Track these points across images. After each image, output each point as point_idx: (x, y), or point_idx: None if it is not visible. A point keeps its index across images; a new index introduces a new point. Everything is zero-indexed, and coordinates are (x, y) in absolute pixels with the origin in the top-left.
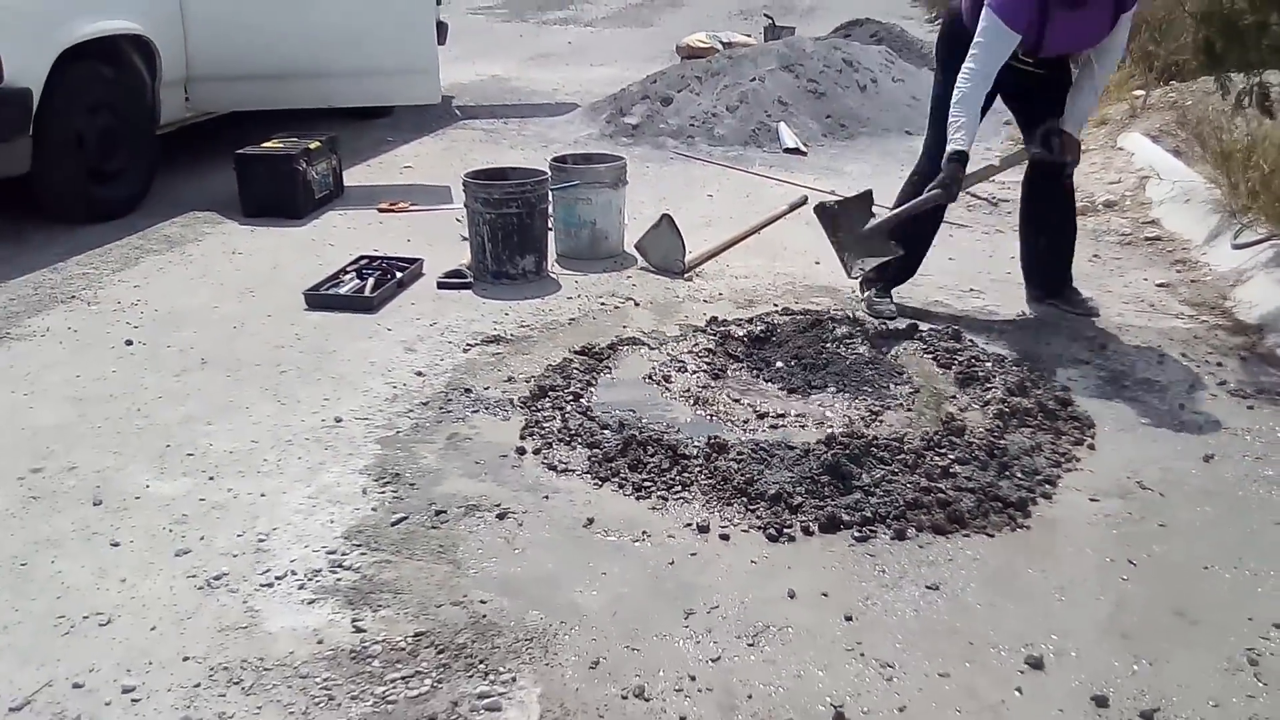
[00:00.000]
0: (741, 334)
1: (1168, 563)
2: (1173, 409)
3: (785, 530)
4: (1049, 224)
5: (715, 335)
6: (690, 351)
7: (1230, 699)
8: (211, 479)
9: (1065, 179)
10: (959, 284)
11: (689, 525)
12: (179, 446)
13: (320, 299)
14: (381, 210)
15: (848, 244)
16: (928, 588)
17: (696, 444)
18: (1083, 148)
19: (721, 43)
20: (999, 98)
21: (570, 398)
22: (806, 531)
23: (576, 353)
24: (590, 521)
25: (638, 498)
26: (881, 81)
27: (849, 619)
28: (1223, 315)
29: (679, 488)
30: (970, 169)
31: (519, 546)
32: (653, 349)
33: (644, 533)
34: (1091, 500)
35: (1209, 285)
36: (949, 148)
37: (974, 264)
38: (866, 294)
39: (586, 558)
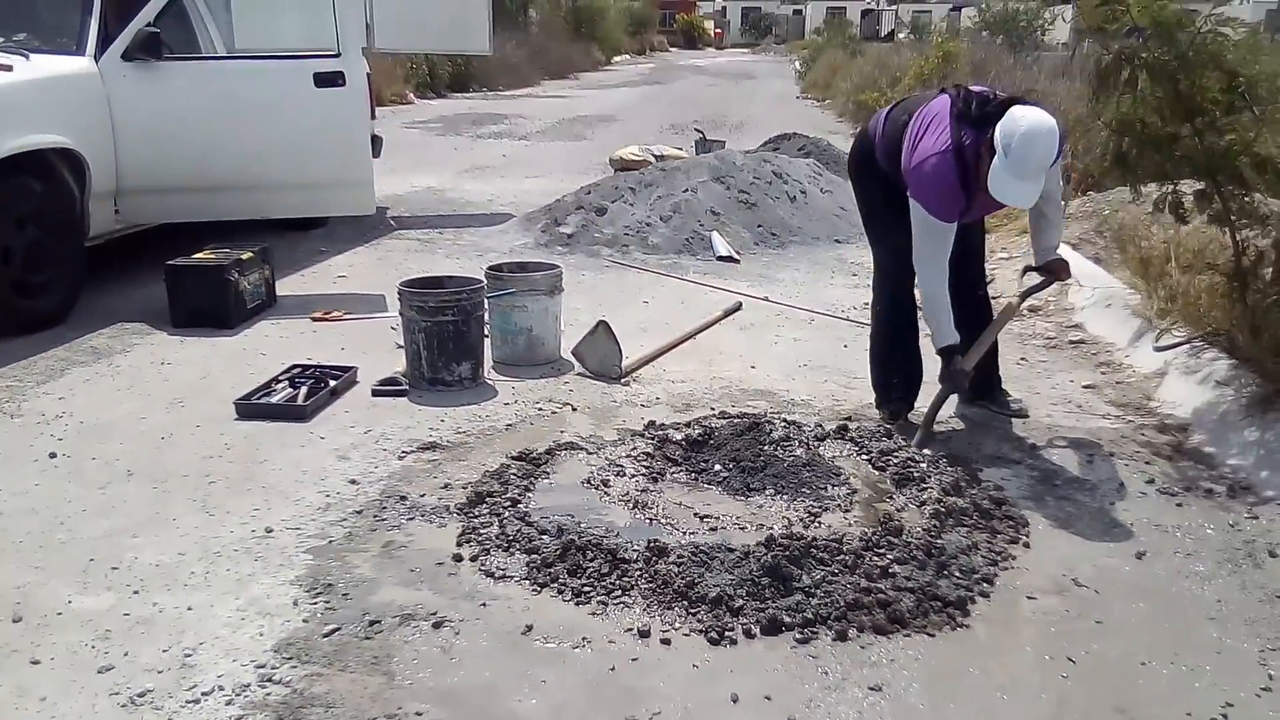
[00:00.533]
0: (679, 438)
1: (1106, 660)
2: (1104, 507)
3: (727, 633)
4: (972, 327)
5: (653, 439)
6: (628, 455)
7: None
8: (136, 593)
9: (981, 292)
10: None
11: (629, 630)
12: (102, 560)
13: (251, 408)
14: (315, 319)
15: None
16: (870, 689)
17: (636, 548)
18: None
19: (654, 155)
20: None
21: (508, 504)
22: (748, 634)
23: (514, 458)
24: (529, 629)
25: (577, 603)
26: (810, 192)
27: None
28: (1148, 415)
29: (619, 592)
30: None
31: (455, 656)
32: (591, 454)
33: (584, 639)
34: (1029, 598)
35: (1133, 386)
36: (938, 344)
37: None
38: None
39: (525, 666)
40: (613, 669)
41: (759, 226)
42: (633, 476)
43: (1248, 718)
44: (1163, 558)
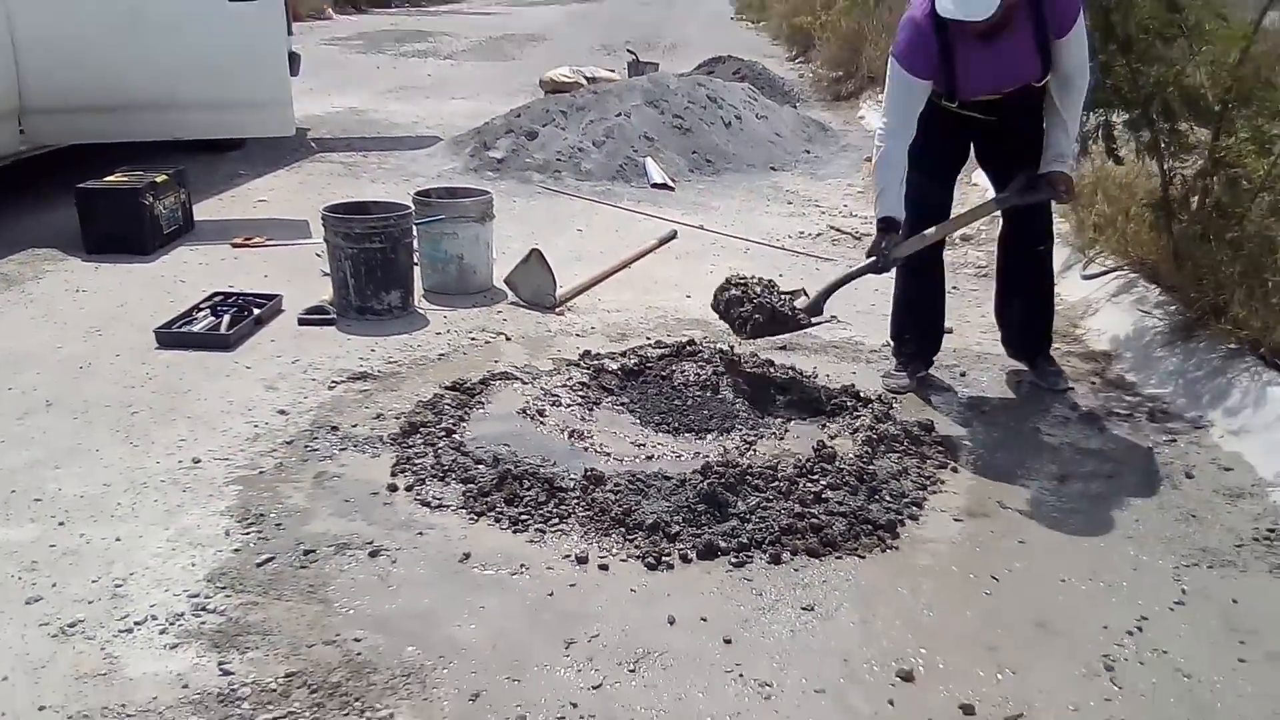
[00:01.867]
0: (615, 367)
1: (1028, 578)
2: (1029, 432)
3: (664, 559)
4: (1021, 289)
5: (588, 369)
6: (564, 385)
7: (1089, 703)
8: (61, 524)
9: (1041, 249)
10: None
11: (568, 557)
12: (24, 492)
13: (173, 337)
14: (235, 245)
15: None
16: (803, 609)
17: (573, 476)
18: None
19: (586, 77)
20: (972, 153)
21: (442, 433)
22: (684, 559)
23: (447, 388)
24: (466, 556)
25: (515, 531)
26: (746, 118)
27: (728, 642)
28: (1074, 342)
29: (556, 520)
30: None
31: (393, 584)
32: (526, 383)
33: (522, 566)
34: (956, 520)
35: (1061, 315)
36: (877, 213)
37: (840, 297)
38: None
39: (464, 592)
40: (551, 594)
41: (694, 153)
42: (569, 406)
43: (1161, 629)
44: (1084, 480)
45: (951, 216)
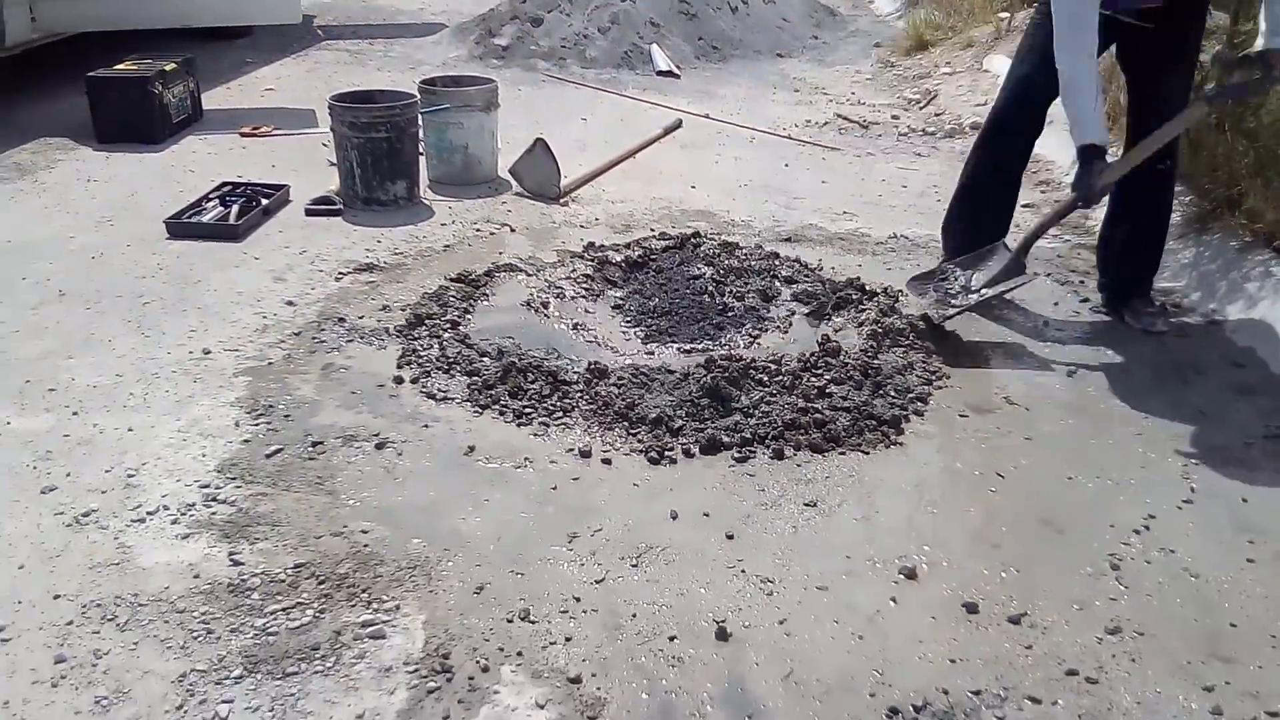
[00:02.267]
0: (619, 259)
1: (1034, 474)
2: (1038, 326)
3: (666, 453)
4: (1132, 213)
5: (593, 261)
6: (568, 278)
7: (1094, 602)
8: (75, 414)
9: (1165, 166)
10: (832, 206)
11: (571, 450)
12: (39, 382)
13: (182, 227)
14: (243, 135)
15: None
16: (805, 505)
17: (577, 370)
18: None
19: None
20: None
21: (448, 325)
22: (687, 454)
23: (452, 280)
24: (471, 449)
25: (519, 424)
26: (753, 3)
27: (730, 537)
28: (1086, 234)
29: (560, 414)
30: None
31: (399, 476)
32: (530, 275)
33: (526, 459)
34: (961, 416)
35: None
36: (1077, 139)
37: (846, 187)
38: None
39: (468, 485)
40: (555, 488)
41: (700, 39)
42: (573, 298)
43: (1168, 528)
44: (1094, 376)
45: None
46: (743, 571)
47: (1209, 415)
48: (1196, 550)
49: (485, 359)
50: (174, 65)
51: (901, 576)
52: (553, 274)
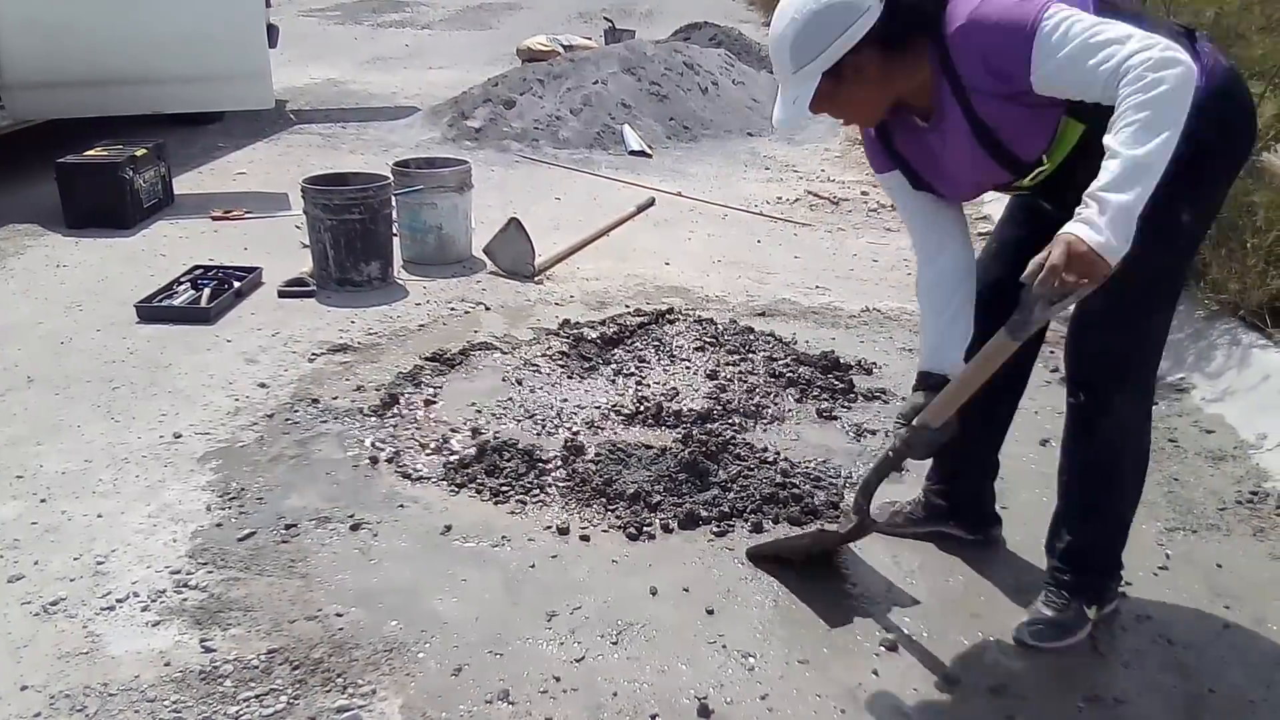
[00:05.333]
0: (594, 336)
1: (1011, 544)
2: None
3: (645, 529)
4: (1066, 476)
5: (567, 338)
6: (544, 355)
7: (1073, 671)
8: (43, 501)
9: (1078, 400)
10: (804, 281)
11: (549, 528)
12: (6, 469)
13: (153, 311)
14: (215, 218)
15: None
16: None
17: (553, 447)
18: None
19: (562, 45)
20: None
21: (422, 405)
22: (666, 529)
23: (427, 359)
24: (448, 529)
25: (495, 503)
26: (722, 84)
27: (710, 612)
28: None
29: (537, 491)
30: None
31: (374, 558)
32: (505, 353)
33: (503, 537)
34: None
35: None
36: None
37: (818, 262)
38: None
39: (445, 565)
40: (533, 566)
41: (671, 119)
42: (548, 375)
43: (1146, 594)
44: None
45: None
46: (724, 647)
47: (1181, 481)
48: (1172, 616)
49: (459, 436)
50: (145, 150)
51: (883, 649)
52: (528, 351)
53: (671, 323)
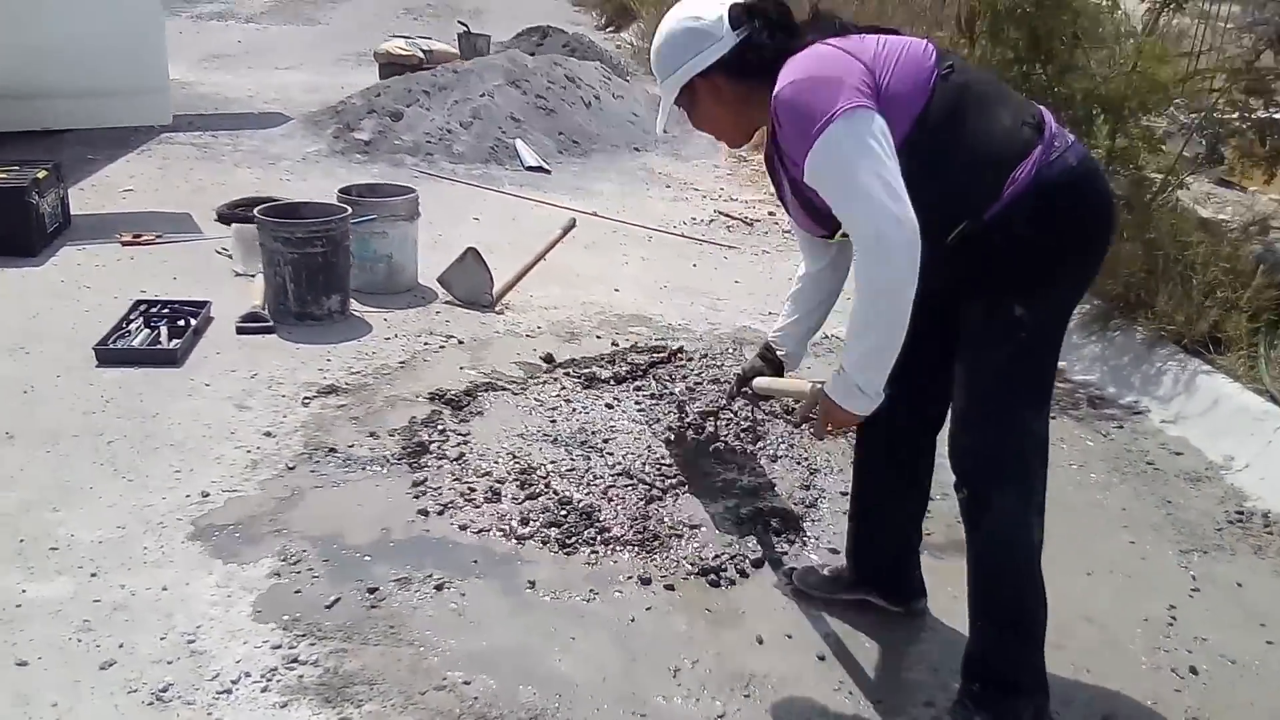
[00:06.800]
0: (607, 375)
1: (1059, 573)
2: None
3: (722, 575)
4: (910, 491)
5: (579, 377)
6: (559, 396)
7: (1165, 695)
8: (94, 575)
9: (963, 494)
10: (755, 308)
11: (630, 578)
12: (35, 540)
13: (113, 354)
14: (125, 244)
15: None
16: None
17: (604, 493)
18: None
19: (422, 51)
20: None
21: (455, 455)
22: (741, 573)
23: (431, 400)
24: (532, 584)
25: (566, 553)
26: (604, 98)
27: (821, 658)
28: None
29: (601, 541)
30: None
31: (472, 619)
32: (516, 394)
33: (591, 591)
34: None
35: None
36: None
37: (760, 286)
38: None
39: (546, 623)
40: (633, 620)
41: (560, 134)
42: (575, 416)
43: (1192, 618)
44: (1058, 470)
45: None
46: (850, 693)
47: (1173, 503)
48: (1224, 636)
49: (508, 487)
50: (46, 172)
51: None
52: (540, 392)
53: (685, 363)
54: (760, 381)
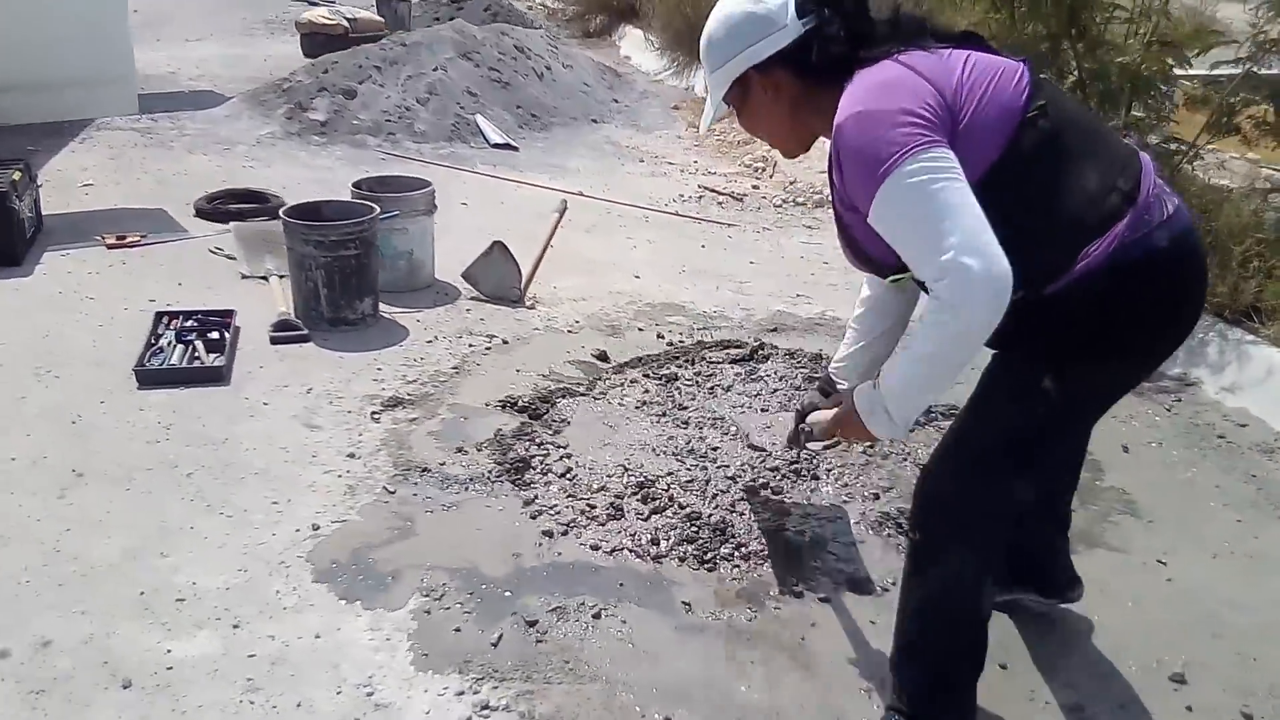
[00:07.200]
0: (690, 374)
1: (1181, 561)
2: None
3: (873, 583)
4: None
5: (659, 379)
6: (643, 401)
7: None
8: (235, 627)
9: (915, 537)
10: (781, 290)
11: (784, 593)
12: (157, 591)
13: (155, 375)
14: (110, 247)
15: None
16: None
17: (738, 506)
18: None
19: (346, 19)
20: None
21: (563, 471)
22: (883, 587)
23: (514, 410)
24: (688, 607)
25: (708, 569)
26: (555, 69)
27: (1004, 667)
28: None
29: (741, 557)
30: None
31: (644, 648)
32: (594, 400)
33: (750, 608)
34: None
35: None
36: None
37: (777, 267)
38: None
39: (720, 649)
40: (803, 639)
41: (518, 108)
42: (670, 424)
43: None
44: (1140, 451)
45: None
46: (1046, 704)
47: (1258, 477)
48: None
49: (629, 502)
50: (20, 173)
51: (1172, 681)
52: (622, 395)
53: (763, 360)
54: (815, 417)
